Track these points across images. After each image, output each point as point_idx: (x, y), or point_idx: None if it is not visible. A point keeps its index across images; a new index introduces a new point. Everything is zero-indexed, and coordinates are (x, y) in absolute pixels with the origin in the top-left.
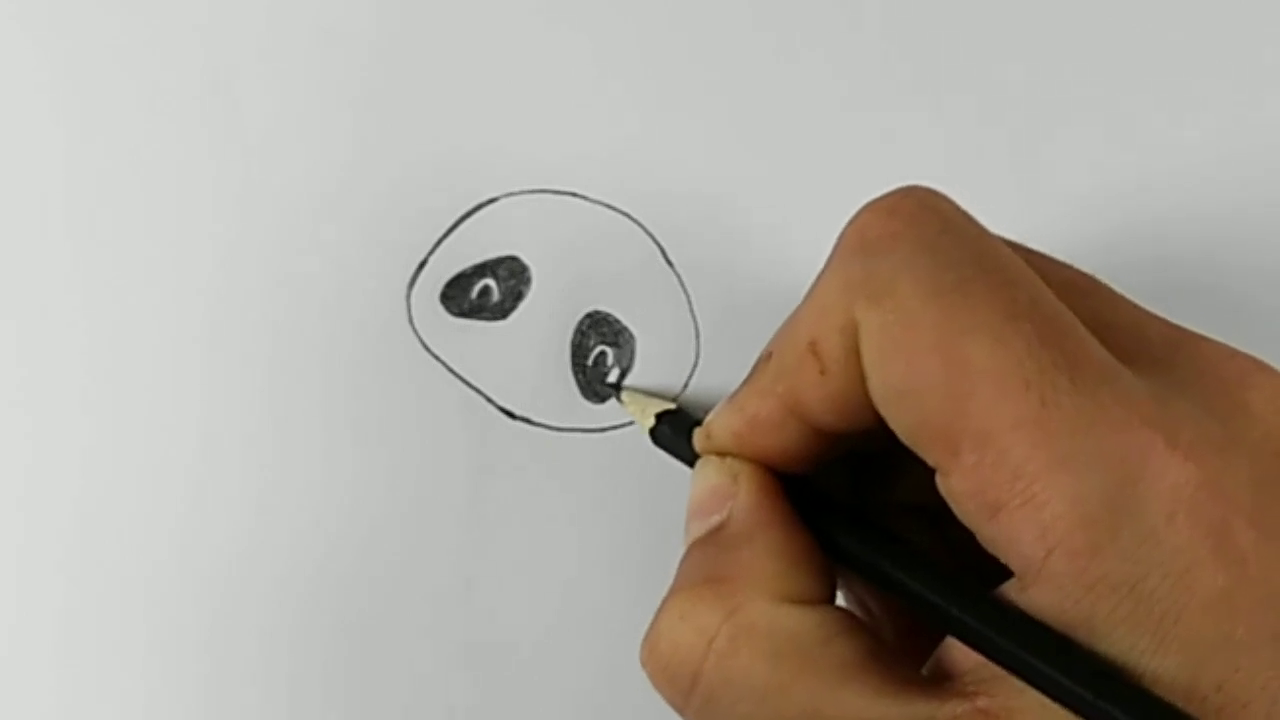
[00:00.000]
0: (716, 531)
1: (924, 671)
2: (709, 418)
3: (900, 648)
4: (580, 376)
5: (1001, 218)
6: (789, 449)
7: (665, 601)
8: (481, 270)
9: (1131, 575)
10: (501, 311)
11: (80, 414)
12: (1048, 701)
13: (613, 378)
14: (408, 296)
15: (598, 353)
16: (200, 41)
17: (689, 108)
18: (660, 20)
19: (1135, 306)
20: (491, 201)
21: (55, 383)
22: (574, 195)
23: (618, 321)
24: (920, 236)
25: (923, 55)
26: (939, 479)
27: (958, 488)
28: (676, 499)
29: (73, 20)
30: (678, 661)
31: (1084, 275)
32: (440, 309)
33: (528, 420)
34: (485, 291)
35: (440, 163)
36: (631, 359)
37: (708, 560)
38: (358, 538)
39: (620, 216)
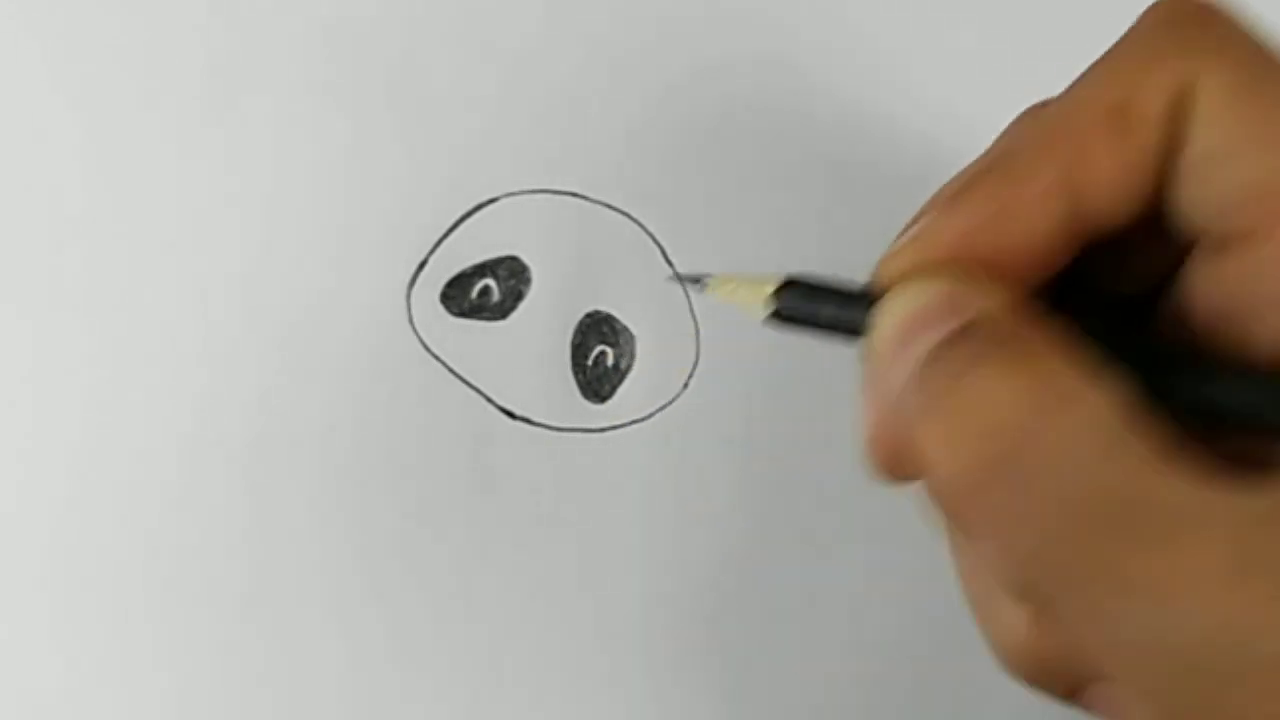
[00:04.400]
0: (967, 330)
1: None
2: (923, 214)
3: None
4: (580, 376)
5: None
6: (1032, 237)
7: (967, 378)
8: (482, 270)
9: None
10: (501, 311)
11: (78, 414)
12: None
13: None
14: (408, 296)
15: (597, 353)
16: (200, 41)
17: (689, 108)
18: (660, 21)
19: None
20: (491, 201)
21: (54, 383)
22: (574, 195)
23: (618, 321)
24: (1234, 20)
25: (924, 57)
26: (1220, 258)
27: (1269, 256)
28: (676, 499)
29: (73, 20)
30: (994, 427)
31: None
32: (440, 309)
33: (528, 420)
34: (485, 291)
35: (440, 163)
36: (631, 359)
37: (974, 356)
38: (357, 537)
39: (620, 216)
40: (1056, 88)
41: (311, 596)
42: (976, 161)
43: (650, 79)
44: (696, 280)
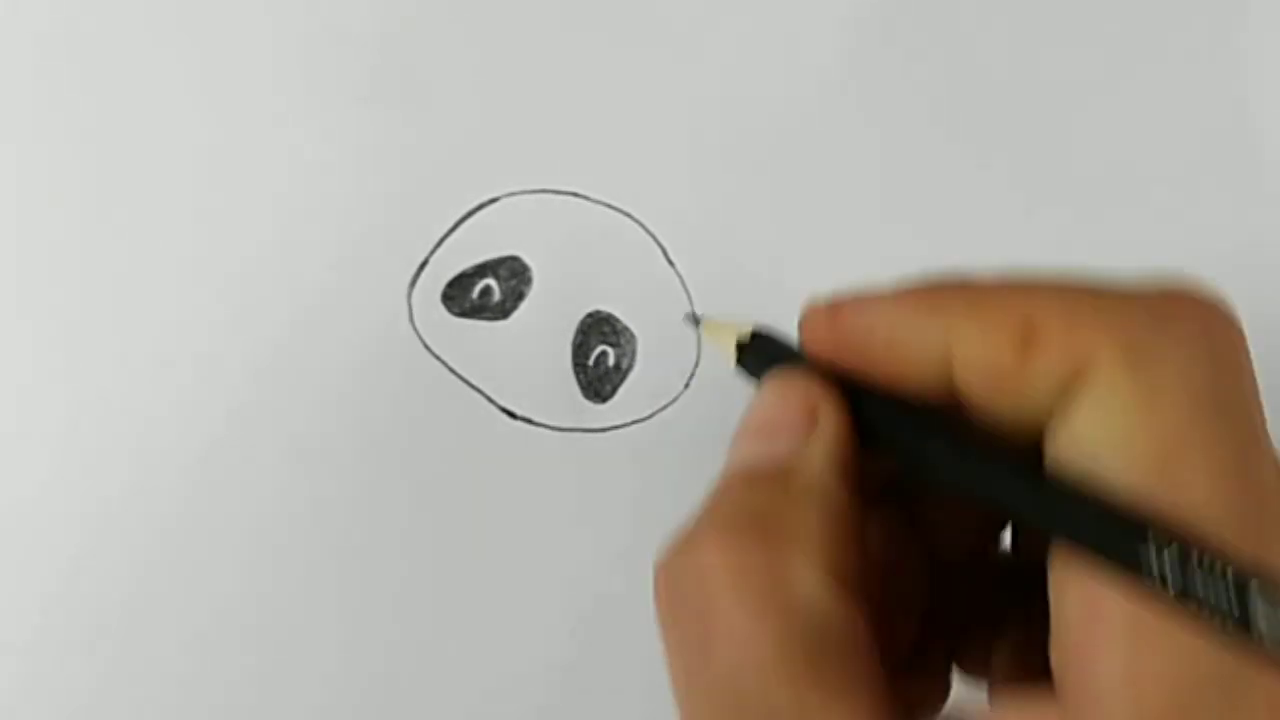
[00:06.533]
0: (782, 474)
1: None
2: (843, 295)
3: (894, 648)
4: (581, 376)
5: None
6: (903, 375)
7: (709, 525)
8: (483, 270)
9: None
10: (503, 311)
11: (77, 413)
12: None
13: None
14: (409, 296)
15: (598, 353)
16: (200, 41)
17: (689, 108)
18: (661, 22)
19: None
20: (493, 201)
21: (53, 382)
22: (575, 195)
23: (618, 321)
24: (1216, 352)
25: (928, 61)
26: (1058, 561)
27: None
28: (676, 499)
29: (73, 20)
30: (699, 591)
31: None
32: (441, 309)
33: (528, 420)
34: (486, 291)
35: (442, 162)
36: (632, 359)
37: (766, 502)
38: (357, 537)
39: (621, 216)
40: None
41: (310, 595)
42: (921, 280)
43: (651, 79)
44: (696, 321)
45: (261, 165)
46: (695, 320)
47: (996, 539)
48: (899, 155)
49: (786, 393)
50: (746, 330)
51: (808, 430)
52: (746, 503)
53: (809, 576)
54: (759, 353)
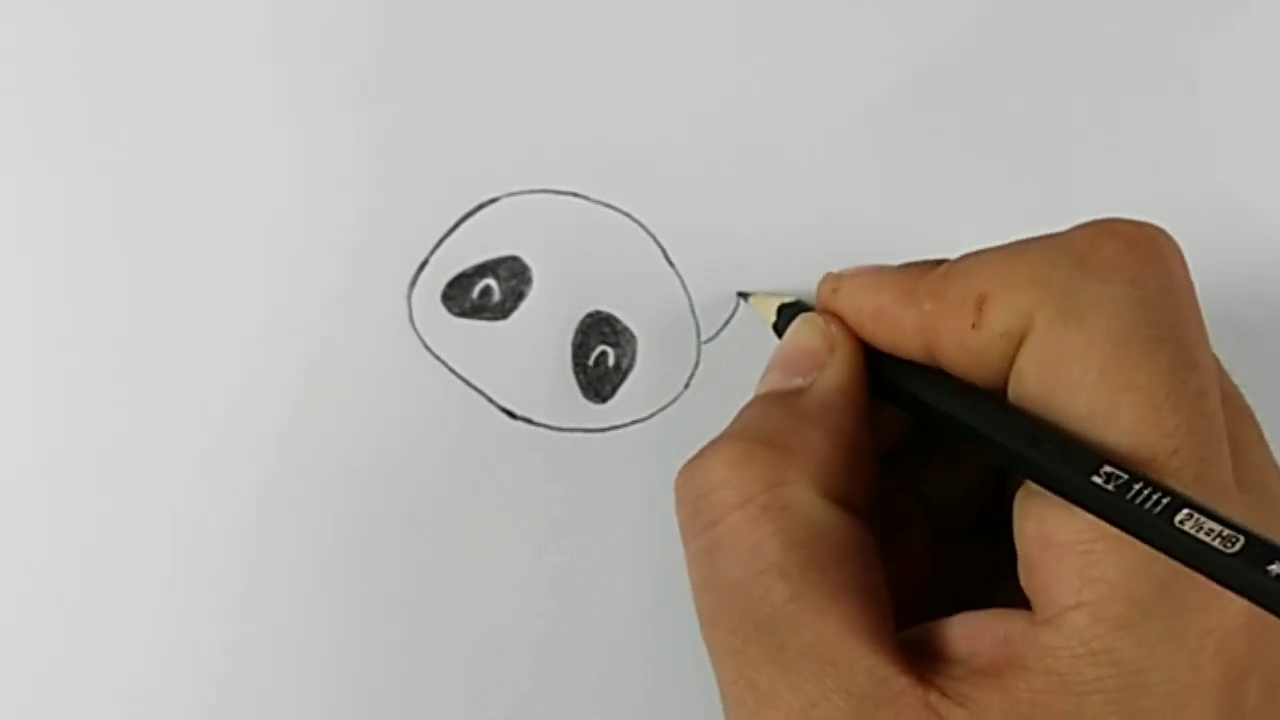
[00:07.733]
0: (795, 394)
1: (902, 635)
2: (847, 274)
3: (901, 586)
4: (580, 376)
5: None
6: (893, 347)
7: (723, 440)
8: (482, 270)
9: (1140, 662)
10: (502, 311)
11: (79, 413)
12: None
13: (741, 287)
14: (409, 296)
15: (598, 353)
16: (200, 41)
17: (689, 108)
18: (661, 20)
19: (1268, 452)
20: (493, 201)
21: (55, 382)
22: (575, 195)
23: (618, 321)
24: (1140, 281)
25: (931, 59)
26: (1021, 492)
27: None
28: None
29: (74, 19)
30: (708, 503)
31: (1243, 402)
32: (441, 309)
33: (528, 420)
34: (486, 291)
35: (441, 162)
36: (632, 359)
37: (777, 420)
38: (357, 538)
39: (621, 216)
40: None
41: (308, 594)
42: (900, 267)
43: (652, 79)
44: (745, 296)
45: (260, 165)
46: (744, 296)
47: (995, 506)
48: (898, 155)
49: (810, 331)
50: (785, 300)
51: (825, 362)
52: (757, 421)
53: (807, 487)
54: (792, 318)
